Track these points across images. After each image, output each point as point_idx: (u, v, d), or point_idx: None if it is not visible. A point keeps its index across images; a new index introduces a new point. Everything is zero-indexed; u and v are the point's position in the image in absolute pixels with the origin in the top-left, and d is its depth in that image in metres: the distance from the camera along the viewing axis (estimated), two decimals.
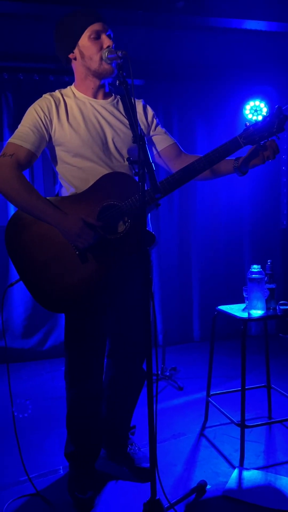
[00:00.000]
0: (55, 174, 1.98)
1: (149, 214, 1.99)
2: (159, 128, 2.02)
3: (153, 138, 2.01)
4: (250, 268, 2.34)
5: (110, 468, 2.17)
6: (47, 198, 1.82)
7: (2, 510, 1.92)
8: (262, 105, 4.19)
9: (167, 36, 3.68)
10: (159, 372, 3.34)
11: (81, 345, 1.94)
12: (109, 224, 1.79)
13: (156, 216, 4.15)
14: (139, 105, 1.99)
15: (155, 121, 2.01)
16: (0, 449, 2.42)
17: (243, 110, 4.22)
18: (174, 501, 1.86)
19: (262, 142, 1.81)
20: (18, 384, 3.36)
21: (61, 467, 2.23)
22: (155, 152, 2.03)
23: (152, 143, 2.02)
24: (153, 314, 1.66)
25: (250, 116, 4.21)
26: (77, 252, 1.79)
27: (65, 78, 3.78)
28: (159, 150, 2.02)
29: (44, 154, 1.96)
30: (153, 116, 2.02)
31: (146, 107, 2.01)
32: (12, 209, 3.73)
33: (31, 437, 2.53)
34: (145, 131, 1.98)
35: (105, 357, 2.07)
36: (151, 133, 2.01)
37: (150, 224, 2.00)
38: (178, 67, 4.03)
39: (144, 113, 1.99)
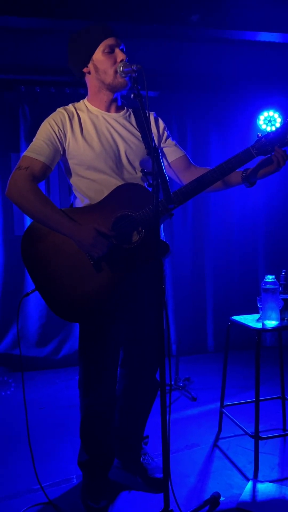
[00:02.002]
0: (70, 186, 2.01)
1: (162, 224, 2.00)
2: (169, 140, 2.05)
3: (164, 149, 2.04)
4: (264, 278, 2.33)
5: (124, 478, 2.17)
6: (62, 209, 1.85)
7: None
8: (276, 115, 4.20)
9: (182, 48, 3.73)
10: (173, 383, 3.33)
11: (95, 354, 1.96)
12: (123, 234, 1.81)
13: (170, 226, 4.17)
14: (151, 117, 2.02)
15: (166, 133, 2.04)
16: (14, 457, 2.44)
17: (257, 120, 4.23)
18: None
19: (273, 152, 1.82)
20: (33, 392, 3.38)
21: (74, 476, 2.24)
22: (165, 163, 2.05)
23: (163, 155, 2.05)
24: (166, 323, 1.67)
25: (264, 126, 4.22)
26: (91, 262, 1.81)
27: (80, 90, 3.84)
28: (169, 161, 2.05)
29: (59, 166, 2.00)
30: (164, 129, 2.05)
31: (158, 119, 2.05)
32: (28, 220, 3.78)
33: (45, 446, 2.54)
34: (156, 142, 2.01)
35: (119, 366, 2.08)
36: (162, 145, 2.04)
37: (163, 234, 2.01)
38: (192, 78, 4.06)
39: (156, 125, 2.03)
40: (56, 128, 1.87)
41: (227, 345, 2.55)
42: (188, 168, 2.05)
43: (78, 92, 3.85)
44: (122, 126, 1.94)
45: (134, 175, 1.91)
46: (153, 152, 1.58)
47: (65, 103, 1.96)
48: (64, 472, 2.28)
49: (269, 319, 2.30)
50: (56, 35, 3.33)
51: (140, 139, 1.93)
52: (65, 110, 1.92)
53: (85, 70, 1.91)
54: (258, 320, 2.38)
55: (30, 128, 3.85)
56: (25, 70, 3.80)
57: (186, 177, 2.01)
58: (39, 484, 1.99)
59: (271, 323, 2.29)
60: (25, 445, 2.21)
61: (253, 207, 4.38)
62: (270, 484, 2.11)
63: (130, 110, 2.00)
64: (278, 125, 4.17)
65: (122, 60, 1.83)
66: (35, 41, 3.56)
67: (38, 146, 1.85)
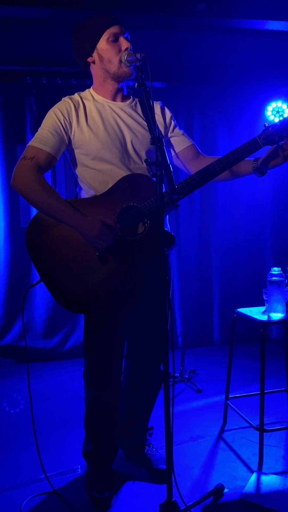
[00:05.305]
0: (76, 176, 2.00)
1: (168, 216, 1.99)
2: (177, 129, 2.03)
3: (171, 139, 2.02)
4: (270, 270, 2.32)
5: (128, 469, 2.18)
6: (67, 200, 1.84)
7: (20, 507, 1.95)
8: (285, 106, 4.15)
9: (189, 38, 3.69)
10: (178, 375, 3.33)
11: (99, 346, 1.96)
12: (129, 225, 1.80)
13: (176, 218, 4.15)
14: (157, 107, 2.00)
15: (173, 122, 2.02)
16: (19, 448, 2.46)
17: (265, 111, 4.18)
18: (190, 503, 1.85)
19: (282, 142, 1.80)
20: (39, 383, 3.40)
21: (79, 466, 2.25)
22: (173, 153, 2.03)
23: (170, 145, 2.03)
24: (170, 315, 1.67)
25: (272, 117, 4.17)
26: (97, 253, 1.80)
27: (86, 81, 3.81)
28: (177, 151, 2.02)
29: (65, 156, 1.99)
30: (171, 118, 2.02)
31: (164, 109, 2.02)
32: (34, 212, 3.78)
33: (50, 436, 2.56)
34: (163, 132, 1.99)
35: (124, 358, 2.08)
36: (169, 134, 2.01)
37: (168, 225, 2.00)
38: (199, 69, 4.02)
39: (162, 114, 2.00)
40: (61, 118, 1.86)
41: (232, 338, 2.55)
42: (197, 158, 2.03)
43: (84, 83, 3.82)
44: (128, 115, 1.92)
45: (141, 165, 1.90)
46: (157, 141, 1.56)
47: (71, 95, 1.95)
48: (69, 462, 2.29)
49: (275, 311, 2.28)
50: (62, 25, 3.30)
51: (147, 128, 1.91)
52: (71, 99, 1.91)
53: (89, 59, 1.89)
54: (263, 313, 2.36)
55: (36, 119, 3.83)
56: (31, 61, 3.78)
57: (195, 167, 1.98)
58: (44, 474, 2.01)
59: (277, 316, 2.27)
60: (31, 435, 2.23)
61: (261, 198, 4.34)
62: (275, 476, 2.10)
63: (136, 99, 1.98)
64: (286, 115, 4.12)
65: (126, 49, 1.81)
66: (41, 32, 3.54)
67: (44, 136, 1.84)
